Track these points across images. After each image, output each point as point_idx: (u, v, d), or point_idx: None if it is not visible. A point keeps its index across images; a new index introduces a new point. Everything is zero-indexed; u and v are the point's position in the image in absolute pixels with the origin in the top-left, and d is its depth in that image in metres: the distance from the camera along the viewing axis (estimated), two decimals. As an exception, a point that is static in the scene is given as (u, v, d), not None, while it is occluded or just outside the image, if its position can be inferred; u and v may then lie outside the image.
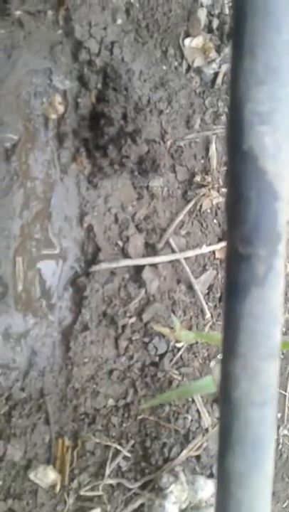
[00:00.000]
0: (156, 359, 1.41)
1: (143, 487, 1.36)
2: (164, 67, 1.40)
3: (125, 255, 1.36)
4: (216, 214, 1.53)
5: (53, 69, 1.26)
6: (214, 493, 0.54)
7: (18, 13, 1.19)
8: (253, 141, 0.41)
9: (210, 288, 1.50)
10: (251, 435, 0.47)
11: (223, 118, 1.60)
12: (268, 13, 0.40)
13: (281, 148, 0.42)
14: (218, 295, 1.52)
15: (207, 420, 1.45)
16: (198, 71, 1.46)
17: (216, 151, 1.56)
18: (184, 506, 1.34)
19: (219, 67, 1.49)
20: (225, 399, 0.47)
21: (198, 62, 1.44)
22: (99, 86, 1.27)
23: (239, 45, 0.41)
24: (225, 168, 1.61)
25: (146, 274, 1.36)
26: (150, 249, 1.40)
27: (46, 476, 1.27)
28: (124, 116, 1.26)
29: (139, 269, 1.37)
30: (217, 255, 1.53)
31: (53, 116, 1.26)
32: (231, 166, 0.43)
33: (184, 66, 1.44)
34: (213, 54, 1.46)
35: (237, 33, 0.41)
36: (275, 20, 0.40)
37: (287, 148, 0.42)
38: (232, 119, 0.42)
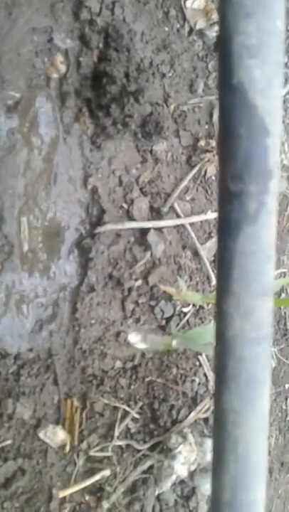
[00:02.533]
0: (163, 322, 1.42)
1: (152, 448, 1.39)
2: (166, 29, 1.38)
3: (130, 218, 1.36)
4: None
5: (54, 27, 1.25)
6: (212, 432, 0.55)
7: None
8: (242, 75, 0.41)
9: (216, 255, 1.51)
10: (246, 372, 0.48)
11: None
12: None
13: (271, 82, 0.42)
14: (225, 262, 1.51)
15: (215, 384, 1.46)
16: (201, 34, 1.44)
17: (221, 115, 1.54)
18: (192, 468, 1.36)
19: (222, 29, 1.46)
20: (219, 337, 0.48)
21: (200, 24, 1.43)
22: (100, 46, 1.26)
23: (227, -22, 0.41)
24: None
25: (152, 237, 1.36)
26: (155, 213, 1.41)
27: (56, 435, 1.29)
28: (127, 76, 1.25)
29: (144, 232, 1.38)
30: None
31: (55, 75, 1.26)
32: (222, 100, 0.43)
33: (186, 28, 1.42)
34: (215, 16, 1.44)
35: None
36: None
37: (277, 82, 0.42)
38: (221, 53, 0.42)
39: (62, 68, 1.25)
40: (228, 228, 0.45)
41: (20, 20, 1.19)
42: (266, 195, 0.44)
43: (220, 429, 0.50)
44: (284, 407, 1.75)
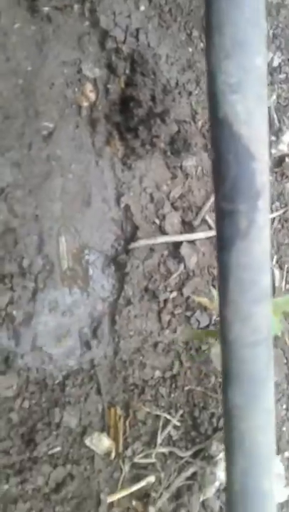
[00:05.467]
0: (200, 332, 1.46)
1: (194, 455, 1.41)
2: (190, 49, 1.44)
3: (163, 232, 1.42)
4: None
5: (82, 59, 1.33)
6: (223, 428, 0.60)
7: (46, 9, 1.27)
8: (226, 109, 0.47)
9: (250, 263, 1.54)
10: (247, 372, 0.53)
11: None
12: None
13: (252, 114, 0.47)
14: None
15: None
16: (225, 50, 1.49)
17: (249, 127, 1.59)
18: (235, 473, 1.38)
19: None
20: (223, 341, 0.53)
21: (224, 41, 1.47)
22: (127, 72, 1.33)
23: (208, 24, 0.46)
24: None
25: (185, 250, 1.41)
26: (187, 227, 1.45)
27: (101, 442, 1.34)
28: (153, 98, 1.31)
29: (177, 245, 1.43)
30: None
31: (85, 103, 1.34)
32: (212, 132, 0.49)
33: (211, 47, 1.47)
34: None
35: (206, 14, 0.46)
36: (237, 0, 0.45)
37: (259, 113, 0.48)
38: (209, 91, 0.48)
39: (92, 96, 1.33)
40: (223, 244, 0.50)
41: (51, 55, 1.28)
42: (256, 213, 0.49)
43: (228, 425, 0.55)
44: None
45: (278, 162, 1.62)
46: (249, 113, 0.47)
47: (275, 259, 1.58)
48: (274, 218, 1.58)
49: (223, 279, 0.51)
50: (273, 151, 1.61)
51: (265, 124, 0.49)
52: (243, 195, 0.48)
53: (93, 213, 1.39)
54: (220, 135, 0.48)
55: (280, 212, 1.59)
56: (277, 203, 1.60)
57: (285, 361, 1.55)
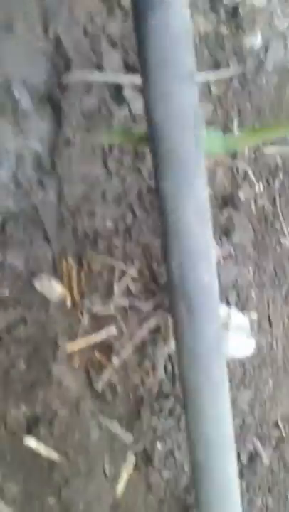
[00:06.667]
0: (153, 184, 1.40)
1: (155, 308, 1.41)
2: None
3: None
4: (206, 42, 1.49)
5: None
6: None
7: None
8: None
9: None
10: (177, 157, 0.51)
11: None
12: None
13: None
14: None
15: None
16: None
17: None
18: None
19: None
20: (148, 125, 0.51)
21: None
22: None
23: None
24: None
25: (128, 92, 1.34)
26: (130, 71, 1.37)
27: (52, 288, 1.32)
28: None
29: (119, 89, 1.35)
30: (212, 89, 1.50)
31: None
32: None
33: None
34: None
35: None
36: None
37: None
38: None
39: None
40: (139, 16, 0.46)
41: None
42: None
43: (161, 215, 0.54)
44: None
45: (232, 12, 1.52)
46: None
47: (236, 123, 1.52)
48: (232, 78, 1.51)
49: (142, 59, 0.48)
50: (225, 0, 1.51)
51: None
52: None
53: (16, 42, 1.28)
54: None
55: (239, 70, 1.52)
56: (235, 59, 1.52)
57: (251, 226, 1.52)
